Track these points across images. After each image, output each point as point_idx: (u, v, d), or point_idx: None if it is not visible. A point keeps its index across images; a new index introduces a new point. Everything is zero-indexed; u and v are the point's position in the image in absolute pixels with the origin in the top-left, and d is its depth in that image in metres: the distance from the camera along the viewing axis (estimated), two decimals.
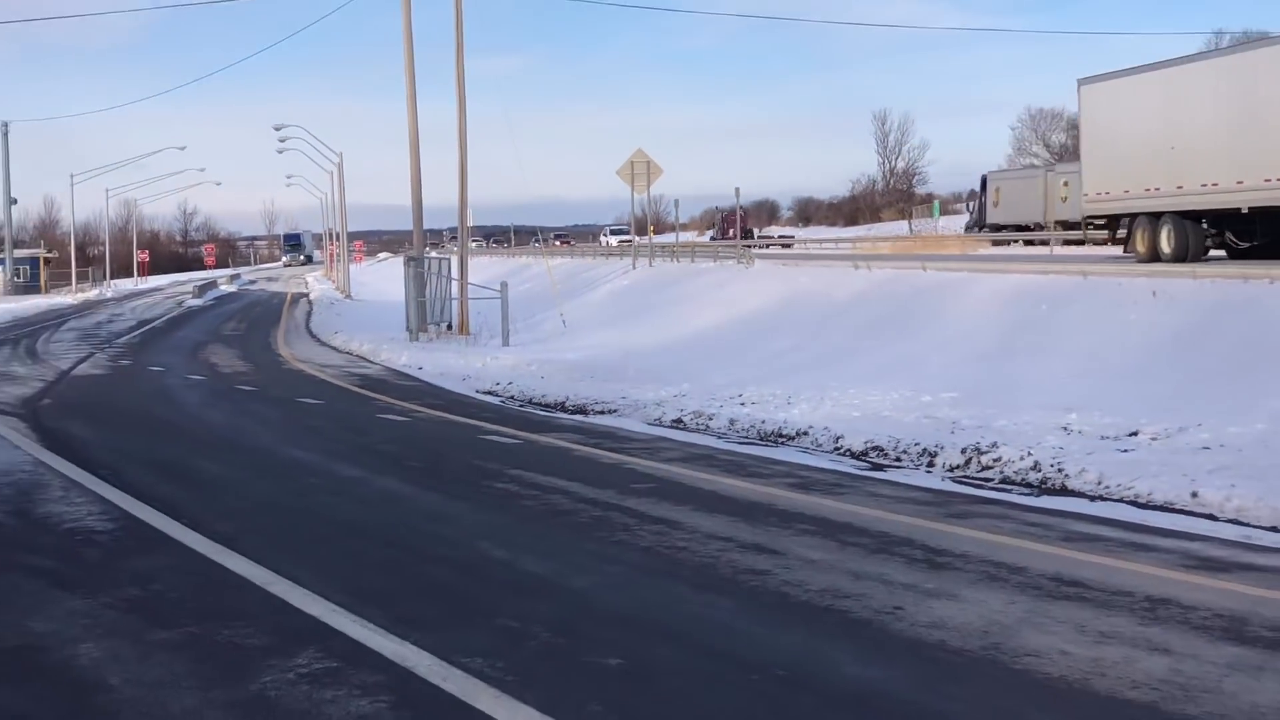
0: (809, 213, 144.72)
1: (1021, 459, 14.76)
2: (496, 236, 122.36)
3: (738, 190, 58.63)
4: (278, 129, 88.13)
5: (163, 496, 13.53)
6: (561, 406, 22.89)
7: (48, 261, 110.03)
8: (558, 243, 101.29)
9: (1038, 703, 6.82)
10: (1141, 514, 12.06)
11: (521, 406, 23.32)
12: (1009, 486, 13.85)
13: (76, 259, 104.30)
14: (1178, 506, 12.33)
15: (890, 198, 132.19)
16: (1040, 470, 14.34)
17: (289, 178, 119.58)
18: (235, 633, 8.35)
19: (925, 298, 28.88)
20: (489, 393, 25.62)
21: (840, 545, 10.63)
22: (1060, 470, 14.18)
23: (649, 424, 20.13)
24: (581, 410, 22.17)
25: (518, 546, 10.84)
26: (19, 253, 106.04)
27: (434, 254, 46.18)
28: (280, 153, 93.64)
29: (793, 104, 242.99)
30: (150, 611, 8.97)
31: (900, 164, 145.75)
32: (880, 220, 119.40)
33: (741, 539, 10.93)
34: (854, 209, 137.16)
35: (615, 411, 21.68)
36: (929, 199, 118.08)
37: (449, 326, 40.96)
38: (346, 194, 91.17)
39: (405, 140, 41.69)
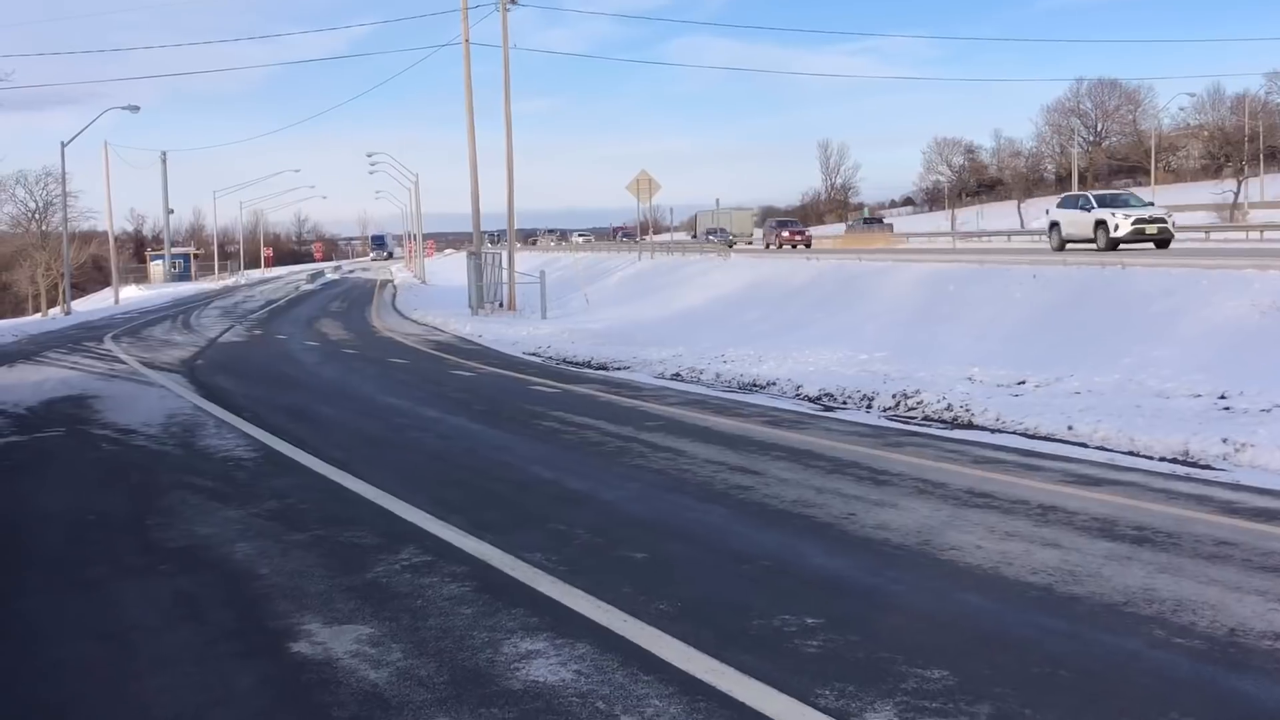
0: (768, 217, 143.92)
1: (938, 401, 14.68)
2: (531, 237, 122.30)
3: (718, 200, 59.79)
4: (369, 155, 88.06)
5: (291, 432, 13.47)
6: (588, 364, 22.80)
7: (196, 257, 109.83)
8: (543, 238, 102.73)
9: (961, 585, 6.77)
10: (1031, 443, 11.98)
11: (558, 364, 23.21)
12: (929, 423, 13.77)
13: (218, 255, 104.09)
14: (1057, 437, 12.26)
15: (831, 206, 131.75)
16: (952, 410, 14.25)
17: (377, 192, 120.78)
18: (352, 535, 8.30)
19: (860, 281, 28.72)
20: (533, 354, 25.52)
21: (804, 467, 10.56)
22: (967, 410, 14.10)
23: (655, 377, 20.04)
24: (604, 367, 22.09)
25: (561, 469, 10.77)
26: (175, 250, 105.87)
27: (488, 249, 45.98)
28: (371, 173, 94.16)
29: (757, 134, 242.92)
30: (286, 519, 8.91)
31: (839, 180, 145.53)
32: (824, 223, 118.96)
33: (730, 463, 10.87)
34: (803, 215, 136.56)
35: (629, 368, 21.59)
36: (859, 207, 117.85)
37: (500, 304, 41.04)
38: (420, 204, 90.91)
39: (466, 162, 41.61)
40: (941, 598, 6.50)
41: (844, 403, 15.73)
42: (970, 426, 13.36)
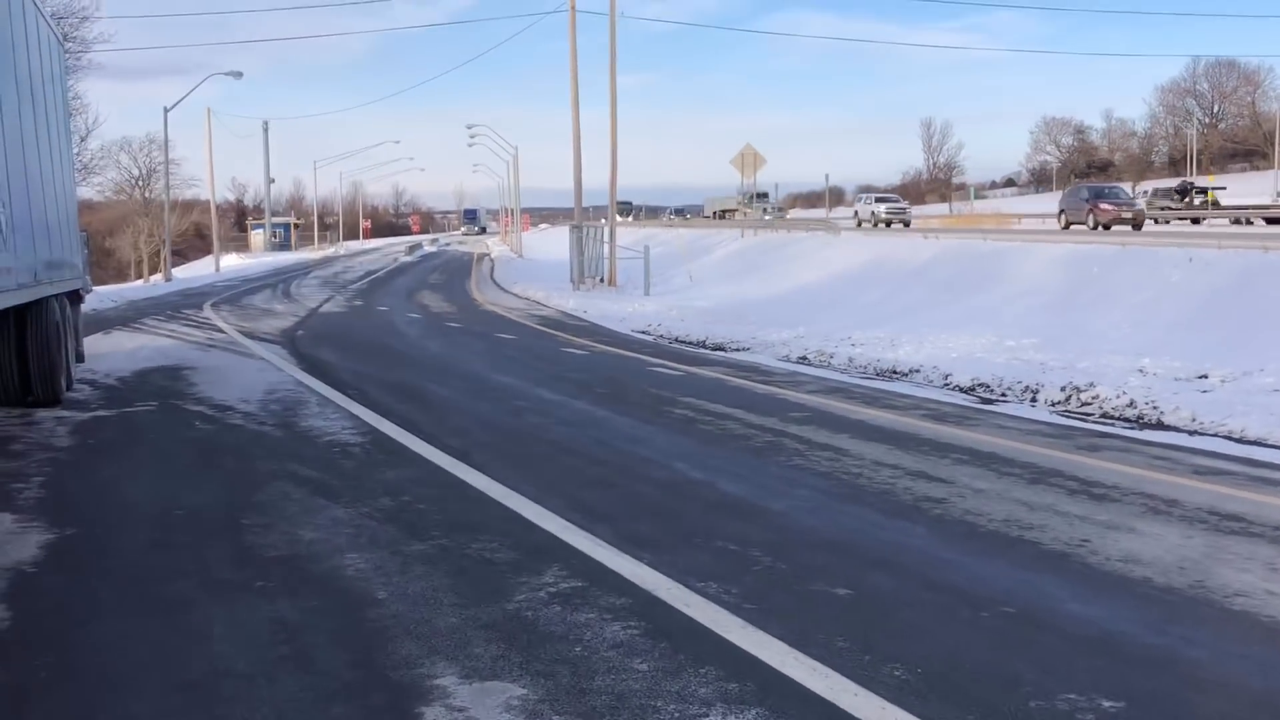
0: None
1: (1118, 397, 12.99)
2: (632, 213, 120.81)
3: (827, 176, 57.67)
4: (469, 127, 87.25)
5: (400, 413, 12.18)
6: (703, 344, 21.37)
7: (296, 226, 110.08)
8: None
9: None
10: (1243, 449, 10.30)
11: (670, 343, 21.80)
12: (1110, 421, 12.11)
13: (317, 225, 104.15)
14: (1270, 442, 10.57)
15: (933, 185, 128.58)
16: (1136, 407, 12.58)
17: (475, 166, 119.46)
18: (483, 546, 6.91)
19: (989, 261, 26.89)
20: (642, 332, 24.13)
21: (998, 475, 8.98)
22: (1154, 407, 12.42)
23: (780, 360, 18.55)
24: (720, 348, 20.64)
25: (710, 468, 9.30)
26: (275, 220, 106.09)
27: (589, 223, 44.73)
28: (470, 145, 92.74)
29: (858, 111, 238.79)
30: (403, 522, 7.55)
31: (941, 159, 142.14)
32: (925, 203, 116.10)
33: (906, 466, 9.32)
34: (904, 193, 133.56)
35: (749, 350, 20.12)
36: (963, 187, 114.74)
37: (601, 279, 39.76)
38: (519, 177, 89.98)
39: (562, 137, 40.53)
40: (1269, 672, 4.93)
41: (1003, 395, 14.10)
42: (1161, 427, 11.69)
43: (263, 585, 6.29)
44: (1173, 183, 65.98)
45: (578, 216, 43.27)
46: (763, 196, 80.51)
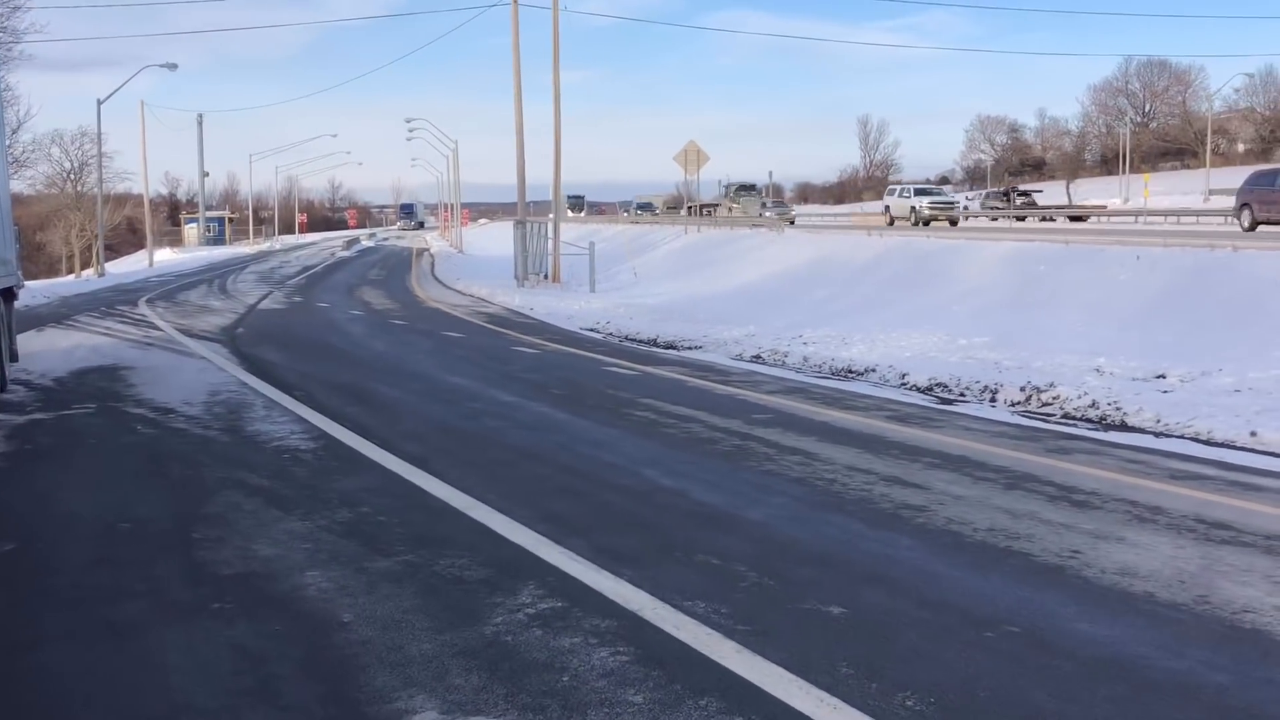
0: (806, 194, 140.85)
1: (1080, 397, 12.84)
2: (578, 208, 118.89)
3: (770, 173, 56.83)
4: (408, 121, 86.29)
5: (351, 417, 11.74)
6: (654, 342, 21.06)
7: (231, 221, 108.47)
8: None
9: None
10: (1214, 451, 10.15)
11: (621, 342, 21.47)
12: (1073, 422, 11.94)
13: (252, 220, 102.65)
14: (1239, 444, 10.44)
15: (870, 183, 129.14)
16: (1098, 408, 12.42)
17: (413, 160, 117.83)
18: (451, 563, 6.53)
19: (935, 259, 26.79)
20: (592, 330, 23.78)
21: (973, 480, 8.72)
22: (1117, 408, 12.26)
23: (733, 359, 18.29)
24: (672, 346, 20.34)
25: (681, 475, 8.95)
26: (209, 214, 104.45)
27: (533, 219, 44.18)
28: (409, 139, 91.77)
29: (795, 109, 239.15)
30: (365, 536, 7.15)
31: (878, 157, 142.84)
32: (862, 200, 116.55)
33: (879, 471, 9.04)
34: (841, 191, 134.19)
35: (701, 348, 19.84)
36: (899, 183, 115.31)
37: (545, 276, 39.28)
38: (459, 172, 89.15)
39: (503, 132, 40.23)
40: None
41: (962, 395, 13.92)
42: (1124, 428, 11.53)
43: (219, 607, 5.88)
44: (1001, 189, 75.40)
45: (521, 212, 42.79)
46: (749, 189, 73.67)
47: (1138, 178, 71.03)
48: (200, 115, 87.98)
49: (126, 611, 5.86)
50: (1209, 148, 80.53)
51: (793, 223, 51.48)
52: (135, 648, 5.37)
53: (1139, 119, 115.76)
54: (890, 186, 57.56)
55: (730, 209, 66.49)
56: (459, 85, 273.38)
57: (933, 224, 44.43)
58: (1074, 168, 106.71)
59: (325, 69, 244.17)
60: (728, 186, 75.96)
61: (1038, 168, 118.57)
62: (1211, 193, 61.74)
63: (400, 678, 4.88)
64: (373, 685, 4.82)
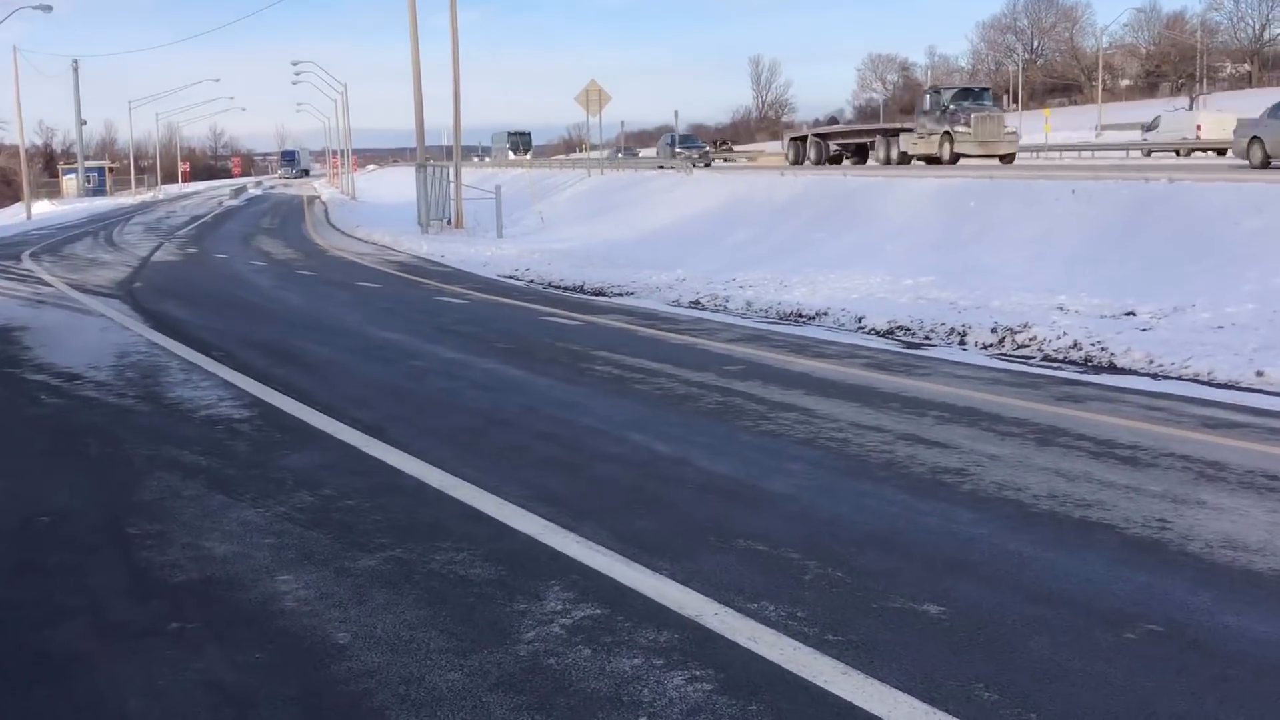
0: (700, 136, 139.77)
1: (1059, 338, 12.08)
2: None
3: (676, 113, 55.68)
4: (294, 64, 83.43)
5: (282, 379, 10.51)
6: (580, 289, 19.97)
7: (111, 171, 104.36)
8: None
9: None
10: (1225, 394, 9.44)
11: (546, 289, 20.35)
12: (1056, 364, 11.19)
13: (134, 169, 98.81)
14: (1245, 385, 9.75)
15: (762, 124, 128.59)
16: (1081, 349, 11.68)
17: (299, 105, 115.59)
18: (449, 558, 5.46)
19: (858, 197, 25.93)
20: (510, 277, 22.61)
21: (998, 436, 7.85)
22: (1102, 349, 11.53)
23: (669, 304, 17.31)
24: (600, 293, 19.27)
25: (674, 439, 7.92)
26: (88, 164, 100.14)
27: (435, 163, 42.53)
28: (295, 83, 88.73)
29: (686, 49, 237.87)
30: (336, 526, 6.02)
31: (770, 97, 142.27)
32: (756, 142, 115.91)
33: (889, 428, 8.11)
34: (734, 133, 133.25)
35: (634, 294, 18.80)
36: (792, 125, 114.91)
37: (448, 222, 37.84)
38: (349, 117, 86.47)
39: (396, 74, 39.28)
40: None
41: (927, 338, 13.13)
42: (1115, 370, 10.81)
43: (179, 628, 4.75)
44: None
45: (420, 155, 41.19)
46: (689, 140, 66.21)
47: (1034, 113, 71.14)
48: (76, 61, 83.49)
49: (64, 637, 4.72)
50: (1100, 84, 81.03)
51: (709, 165, 49.73)
52: (80, 689, 4.24)
53: (1027, 55, 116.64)
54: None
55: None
56: (347, 26, 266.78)
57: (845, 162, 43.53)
58: None
59: (207, 10, 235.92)
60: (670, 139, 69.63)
61: None
62: (1104, 128, 62.04)
63: None
64: None
